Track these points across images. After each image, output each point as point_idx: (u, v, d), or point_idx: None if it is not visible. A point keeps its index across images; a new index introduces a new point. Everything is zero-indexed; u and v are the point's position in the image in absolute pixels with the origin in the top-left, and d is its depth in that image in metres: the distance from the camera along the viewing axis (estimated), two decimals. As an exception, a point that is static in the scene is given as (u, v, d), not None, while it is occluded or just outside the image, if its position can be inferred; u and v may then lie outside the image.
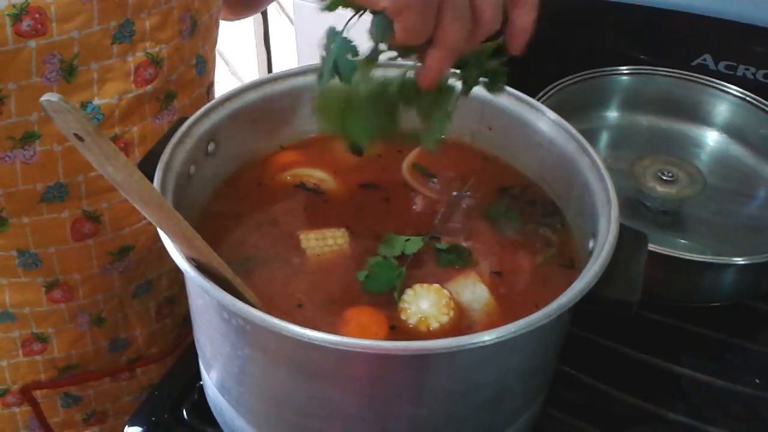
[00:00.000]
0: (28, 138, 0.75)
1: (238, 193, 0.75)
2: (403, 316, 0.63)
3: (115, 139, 0.80)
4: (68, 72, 0.73)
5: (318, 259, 0.68)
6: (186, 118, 0.69)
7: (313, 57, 0.79)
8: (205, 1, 0.84)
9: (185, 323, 1.01)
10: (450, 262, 0.68)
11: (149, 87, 0.79)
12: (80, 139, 0.50)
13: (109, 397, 0.98)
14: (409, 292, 0.64)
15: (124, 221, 0.85)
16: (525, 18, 0.58)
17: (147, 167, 0.64)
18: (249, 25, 1.98)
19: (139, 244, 0.88)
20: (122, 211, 0.84)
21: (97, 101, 0.76)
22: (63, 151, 0.77)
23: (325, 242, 0.69)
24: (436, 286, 0.64)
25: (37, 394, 0.93)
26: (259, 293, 0.62)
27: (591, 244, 0.62)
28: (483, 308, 0.64)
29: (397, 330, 0.62)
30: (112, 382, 0.97)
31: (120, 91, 0.77)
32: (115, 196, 0.83)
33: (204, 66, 0.88)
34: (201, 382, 0.76)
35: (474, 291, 0.65)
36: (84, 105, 0.76)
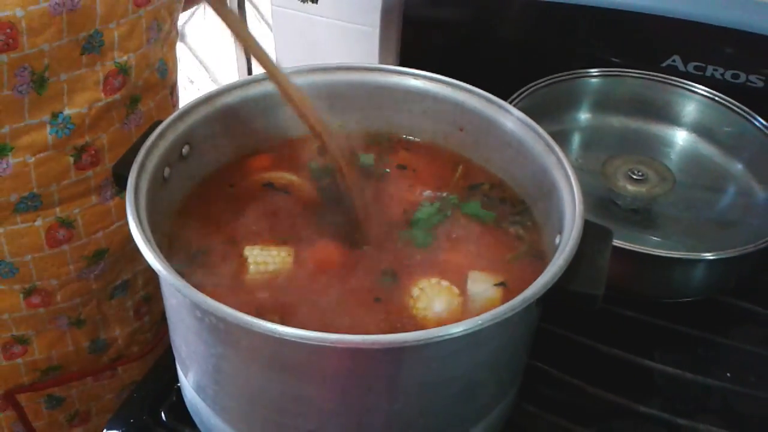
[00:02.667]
0: (1, 151, 0.75)
1: (212, 196, 0.76)
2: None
3: (85, 146, 0.81)
4: (39, 84, 0.74)
5: (257, 276, 0.67)
6: (160, 122, 0.69)
7: (292, 62, 0.80)
8: (169, 8, 0.85)
9: (163, 320, 1.02)
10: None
11: (117, 95, 0.80)
12: None
13: (92, 396, 0.99)
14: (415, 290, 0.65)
15: (97, 225, 0.86)
16: None
17: (121, 170, 0.64)
18: (229, 32, 1.98)
19: (113, 247, 0.89)
20: (95, 216, 0.85)
21: (67, 111, 0.77)
22: (36, 162, 0.78)
23: (268, 258, 0.68)
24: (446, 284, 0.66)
25: (21, 398, 0.93)
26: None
27: (557, 239, 0.64)
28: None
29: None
30: (95, 381, 0.98)
31: (90, 101, 0.78)
32: (87, 202, 0.84)
33: (165, 69, 0.89)
34: (179, 384, 0.76)
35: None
36: (55, 115, 0.77)
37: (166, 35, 0.87)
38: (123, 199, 0.85)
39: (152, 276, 0.96)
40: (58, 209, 0.82)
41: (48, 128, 0.77)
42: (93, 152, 0.81)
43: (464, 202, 0.76)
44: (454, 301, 0.65)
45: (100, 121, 0.81)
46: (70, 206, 0.83)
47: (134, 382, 1.01)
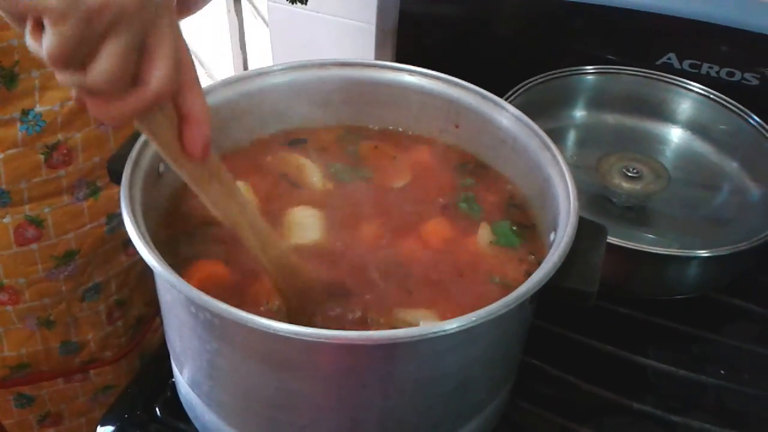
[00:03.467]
0: None
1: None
2: None
3: (57, 144, 0.80)
4: (9, 79, 0.73)
5: None
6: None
7: (289, 57, 0.79)
8: None
9: (138, 325, 1.01)
10: None
11: None
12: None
13: (64, 398, 0.98)
14: None
15: (68, 225, 0.85)
16: (199, 104, 0.49)
17: (116, 165, 0.64)
18: (224, 27, 1.98)
19: (84, 248, 0.87)
20: (66, 216, 0.84)
21: (38, 108, 0.77)
22: (5, 158, 0.77)
23: None
24: None
25: None
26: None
27: (552, 236, 0.64)
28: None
29: None
30: (66, 383, 0.97)
31: (62, 98, 0.78)
32: (58, 201, 0.83)
33: None
34: (173, 379, 0.76)
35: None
36: (25, 112, 0.76)
37: None
38: (97, 200, 0.85)
39: (126, 280, 0.95)
40: (27, 207, 0.81)
41: (18, 125, 0.76)
42: (65, 151, 0.81)
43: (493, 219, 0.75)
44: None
45: (74, 120, 0.80)
46: (40, 205, 0.82)
47: (108, 387, 1.00)
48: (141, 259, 0.93)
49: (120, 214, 0.86)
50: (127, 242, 0.90)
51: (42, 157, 0.79)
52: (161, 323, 1.03)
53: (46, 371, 0.94)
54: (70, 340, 0.93)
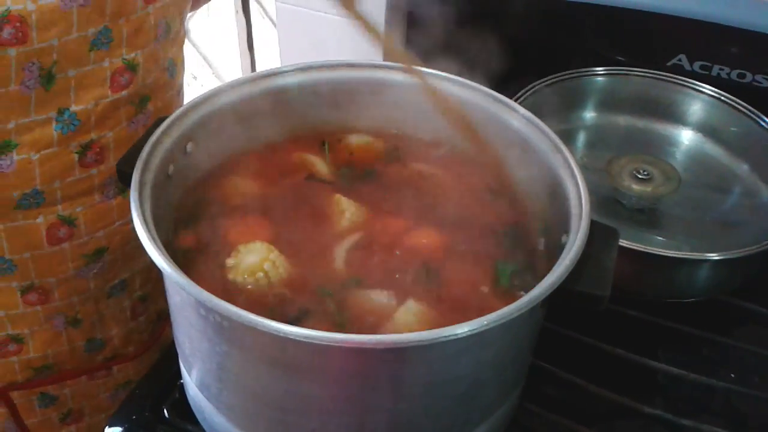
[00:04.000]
0: (5, 147, 0.75)
1: (217, 192, 0.76)
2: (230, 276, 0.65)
3: (91, 143, 0.80)
4: (47, 79, 0.73)
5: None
6: (164, 118, 0.69)
7: (296, 59, 0.79)
8: (178, 6, 0.85)
9: (159, 320, 1.02)
10: None
11: (125, 92, 0.80)
12: None
13: (86, 395, 0.98)
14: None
15: (99, 223, 0.86)
16: None
17: (126, 166, 0.64)
18: (232, 27, 1.98)
19: (113, 245, 0.88)
20: (97, 214, 0.85)
21: (74, 107, 0.77)
22: (40, 159, 0.77)
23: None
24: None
25: (14, 395, 0.93)
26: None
27: (564, 239, 0.63)
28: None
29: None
30: (89, 380, 0.97)
31: (96, 97, 0.78)
32: (90, 200, 0.84)
33: (174, 69, 0.88)
34: (181, 381, 0.76)
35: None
36: (61, 111, 0.76)
37: (176, 35, 0.86)
38: (125, 198, 0.85)
39: (150, 276, 0.96)
40: (60, 207, 0.82)
41: (54, 124, 0.76)
42: (98, 150, 0.81)
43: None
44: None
45: (107, 119, 0.80)
46: (73, 204, 0.83)
47: (129, 382, 1.00)
48: None
49: None
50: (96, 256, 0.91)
51: (76, 156, 0.80)
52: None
53: (70, 370, 0.95)
54: (95, 338, 0.94)
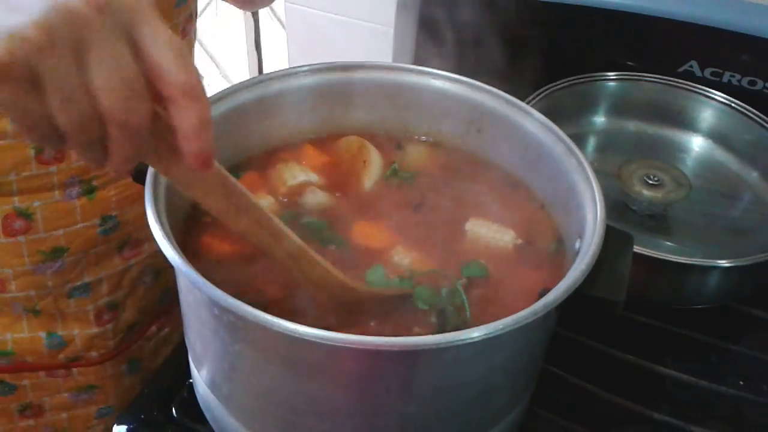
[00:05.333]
0: None
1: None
2: None
3: None
4: None
5: None
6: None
7: (304, 60, 0.79)
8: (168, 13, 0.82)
9: (130, 331, 0.98)
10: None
11: None
12: None
13: (46, 390, 0.96)
14: None
15: (58, 222, 0.84)
16: (190, 116, 0.46)
17: (140, 165, 0.63)
18: (240, 28, 1.98)
19: (74, 247, 0.86)
20: (56, 212, 0.83)
21: None
22: None
23: None
24: None
25: None
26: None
27: (578, 244, 0.63)
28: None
29: None
30: (48, 376, 0.95)
31: None
32: (49, 196, 0.81)
33: None
34: (191, 380, 0.76)
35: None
36: None
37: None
38: (90, 200, 0.84)
39: (120, 283, 0.93)
40: (16, 198, 0.80)
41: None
42: None
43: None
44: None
45: None
46: (30, 198, 0.81)
47: (91, 386, 0.98)
48: (137, 264, 0.92)
49: (115, 217, 0.86)
50: (122, 245, 0.90)
51: (32, 151, 0.78)
52: (157, 332, 1.02)
53: (30, 362, 0.93)
54: (56, 332, 0.92)
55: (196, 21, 0.92)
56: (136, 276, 0.94)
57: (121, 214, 0.87)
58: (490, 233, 0.72)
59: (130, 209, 0.88)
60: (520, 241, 0.72)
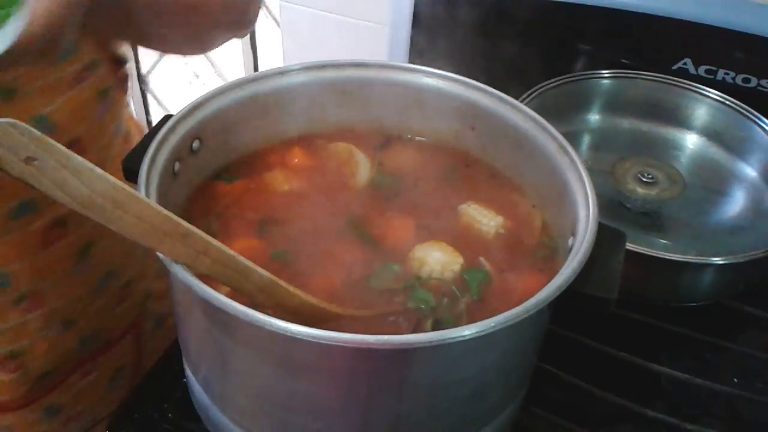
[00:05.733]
0: None
1: (222, 191, 0.75)
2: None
3: None
4: None
5: None
6: (171, 116, 0.69)
7: (299, 59, 0.79)
8: None
9: (43, 379, 0.91)
10: None
11: None
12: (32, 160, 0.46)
13: None
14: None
15: None
16: None
17: (132, 164, 0.64)
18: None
19: None
20: None
21: None
22: None
23: None
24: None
25: None
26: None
27: (570, 241, 0.63)
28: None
29: None
30: None
31: None
32: None
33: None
34: (185, 379, 0.76)
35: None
36: None
37: None
38: None
39: (27, 331, 0.86)
40: None
41: None
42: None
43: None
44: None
45: None
46: None
47: (8, 429, 0.92)
48: (40, 316, 0.84)
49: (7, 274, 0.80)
50: (20, 299, 0.82)
51: None
52: (81, 379, 0.93)
53: None
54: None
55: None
56: (40, 326, 0.86)
57: (12, 269, 0.80)
58: (483, 227, 0.73)
59: (21, 263, 0.81)
60: (512, 237, 0.72)
